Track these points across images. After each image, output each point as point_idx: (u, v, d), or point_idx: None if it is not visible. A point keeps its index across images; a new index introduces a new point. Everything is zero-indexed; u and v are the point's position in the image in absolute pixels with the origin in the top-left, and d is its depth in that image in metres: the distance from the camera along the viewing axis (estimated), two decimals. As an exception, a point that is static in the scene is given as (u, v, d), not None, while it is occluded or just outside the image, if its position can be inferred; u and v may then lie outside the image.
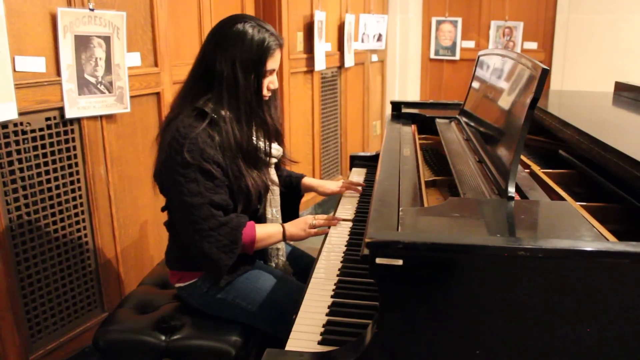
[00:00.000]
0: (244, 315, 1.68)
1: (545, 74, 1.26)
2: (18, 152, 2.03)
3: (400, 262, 0.98)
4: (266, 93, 1.68)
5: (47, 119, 2.12)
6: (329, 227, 1.85)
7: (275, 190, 1.83)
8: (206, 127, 1.57)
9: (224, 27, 1.63)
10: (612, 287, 0.96)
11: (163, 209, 1.75)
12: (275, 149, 1.80)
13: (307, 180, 2.09)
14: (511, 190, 1.27)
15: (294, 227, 1.74)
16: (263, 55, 1.62)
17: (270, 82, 1.68)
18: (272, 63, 1.65)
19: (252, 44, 1.60)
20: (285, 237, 1.72)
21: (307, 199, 3.55)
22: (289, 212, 1.97)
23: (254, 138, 1.70)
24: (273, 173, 1.82)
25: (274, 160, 1.81)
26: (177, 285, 1.74)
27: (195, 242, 1.55)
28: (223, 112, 1.61)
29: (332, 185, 2.14)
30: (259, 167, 1.70)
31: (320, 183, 2.13)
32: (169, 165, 1.55)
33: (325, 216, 1.82)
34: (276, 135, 1.80)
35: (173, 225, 1.72)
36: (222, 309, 1.69)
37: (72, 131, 2.22)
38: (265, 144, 1.74)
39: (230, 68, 1.59)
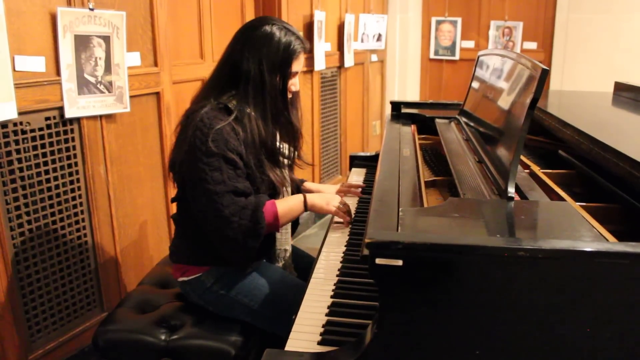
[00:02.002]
0: (245, 312, 1.68)
1: (545, 74, 1.26)
2: (18, 151, 2.02)
3: (400, 262, 0.98)
4: (288, 95, 1.73)
5: (47, 118, 2.12)
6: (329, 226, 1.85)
7: (288, 191, 1.85)
8: (231, 121, 1.60)
9: (252, 28, 1.68)
10: (611, 287, 0.96)
11: (174, 200, 1.77)
12: (292, 150, 1.84)
13: (308, 185, 2.11)
14: (511, 190, 1.27)
15: (318, 197, 1.78)
16: (289, 58, 1.67)
17: (292, 84, 1.73)
18: (297, 65, 1.70)
19: (279, 46, 1.65)
20: (306, 206, 1.74)
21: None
22: None
23: (277, 138, 1.74)
24: (287, 174, 1.84)
25: (286, 160, 1.84)
26: (181, 279, 1.74)
27: (219, 230, 1.56)
28: (248, 110, 1.64)
29: (330, 190, 2.15)
30: (280, 166, 1.75)
31: (318, 188, 2.14)
32: (192, 154, 1.57)
33: (348, 207, 1.86)
34: (296, 137, 1.84)
35: (182, 218, 1.74)
36: (224, 305, 1.70)
37: (72, 131, 2.22)
38: (288, 145, 1.80)
39: (257, 68, 1.63)
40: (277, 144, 1.77)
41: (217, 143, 1.55)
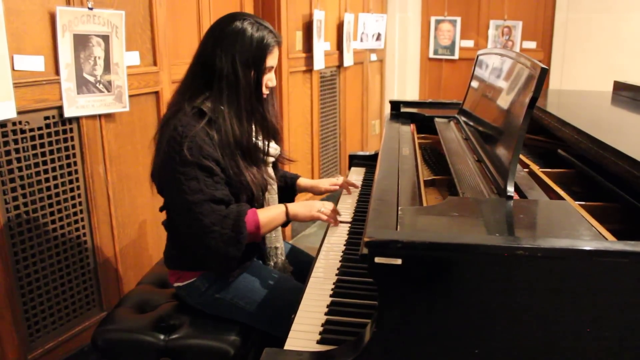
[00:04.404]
0: (243, 315, 1.68)
1: (544, 73, 1.26)
2: (17, 151, 2.02)
3: (399, 261, 0.98)
4: (265, 90, 1.69)
5: (46, 118, 2.12)
6: (328, 225, 1.85)
7: (274, 189, 1.83)
8: (204, 126, 1.57)
9: (223, 25, 1.63)
10: (611, 286, 0.96)
11: (162, 209, 1.75)
12: (273, 147, 1.80)
13: (302, 181, 2.09)
14: (510, 189, 1.27)
15: (299, 206, 1.74)
16: (262, 53, 1.63)
17: (268, 80, 1.69)
18: (271, 60, 1.66)
19: (252, 42, 1.61)
20: (288, 216, 1.71)
21: (305, 198, 3.55)
22: None
23: (253, 136, 1.70)
24: (271, 171, 1.82)
25: (271, 158, 1.81)
26: (176, 284, 1.74)
27: (200, 240, 1.54)
28: (222, 109, 1.61)
29: (325, 184, 2.13)
30: (258, 165, 1.71)
31: (314, 183, 2.12)
32: (168, 165, 1.55)
33: (332, 207, 1.81)
34: (274, 133, 1.80)
35: (172, 225, 1.72)
36: (221, 309, 1.69)
37: (71, 130, 2.22)
38: (264, 141, 1.75)
39: (230, 65, 1.60)
40: (259, 142, 1.73)
41: (191, 151, 1.52)
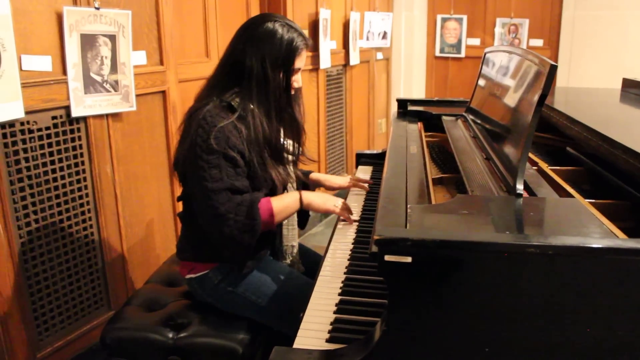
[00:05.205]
0: (253, 309, 1.68)
1: (553, 70, 1.25)
2: (25, 150, 2.03)
3: (409, 259, 0.98)
4: (291, 91, 1.72)
5: (54, 117, 2.12)
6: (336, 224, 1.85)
7: (293, 187, 1.85)
8: (234, 120, 1.60)
9: (254, 25, 1.67)
10: (623, 284, 0.96)
11: (179, 199, 1.77)
12: (297, 147, 1.84)
13: (315, 175, 2.11)
14: (520, 187, 1.26)
15: (315, 195, 1.76)
16: (291, 54, 1.66)
17: (295, 81, 1.72)
18: (299, 62, 1.69)
19: (282, 43, 1.64)
20: (302, 204, 1.73)
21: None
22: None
23: (282, 135, 1.74)
24: (292, 170, 1.84)
25: (291, 157, 1.84)
26: (188, 276, 1.75)
27: (216, 228, 1.56)
28: (251, 107, 1.63)
29: (339, 179, 2.16)
30: (284, 163, 1.75)
31: (327, 177, 2.15)
32: (193, 151, 1.57)
33: (347, 206, 1.83)
34: (300, 133, 1.84)
35: (188, 216, 1.74)
36: (232, 302, 1.70)
37: (79, 130, 2.22)
38: (292, 141, 1.80)
39: (259, 64, 1.63)
40: (282, 140, 1.76)
41: (218, 140, 1.54)
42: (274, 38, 1.64)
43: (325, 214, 3.97)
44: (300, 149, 1.87)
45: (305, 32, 1.73)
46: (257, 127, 1.63)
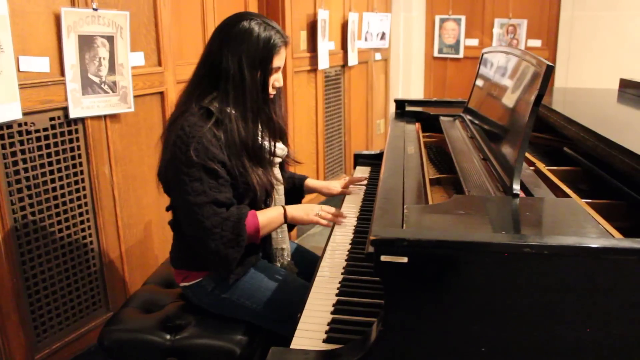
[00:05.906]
0: (249, 315, 1.68)
1: (549, 71, 1.26)
2: (22, 152, 2.03)
3: (405, 259, 0.98)
4: (271, 91, 1.69)
5: (51, 118, 2.12)
6: (334, 225, 1.84)
7: (280, 190, 1.82)
8: (212, 126, 1.57)
9: (230, 25, 1.63)
10: (618, 283, 0.96)
11: (168, 209, 1.75)
12: (280, 148, 1.80)
13: (311, 182, 2.07)
14: (516, 187, 1.27)
15: (297, 209, 1.72)
16: (269, 53, 1.62)
17: (275, 80, 1.68)
18: (278, 60, 1.65)
19: (259, 42, 1.60)
20: (286, 219, 1.70)
21: (311, 198, 3.55)
22: None
23: (259, 136, 1.70)
24: (277, 172, 1.82)
25: (278, 159, 1.81)
26: (182, 284, 1.74)
27: (201, 241, 1.55)
28: (228, 110, 1.60)
29: (336, 186, 2.10)
30: (264, 165, 1.70)
31: (324, 185, 2.10)
32: (173, 164, 1.55)
33: (332, 210, 1.74)
34: (281, 134, 1.80)
35: (178, 225, 1.72)
36: (227, 308, 1.69)
37: (76, 131, 2.22)
38: (270, 142, 1.74)
39: (236, 65, 1.59)
40: (265, 142, 1.72)
41: (197, 152, 1.51)
42: (251, 37, 1.59)
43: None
44: (287, 150, 1.84)
45: (287, 31, 1.69)
46: (233, 130, 1.59)
